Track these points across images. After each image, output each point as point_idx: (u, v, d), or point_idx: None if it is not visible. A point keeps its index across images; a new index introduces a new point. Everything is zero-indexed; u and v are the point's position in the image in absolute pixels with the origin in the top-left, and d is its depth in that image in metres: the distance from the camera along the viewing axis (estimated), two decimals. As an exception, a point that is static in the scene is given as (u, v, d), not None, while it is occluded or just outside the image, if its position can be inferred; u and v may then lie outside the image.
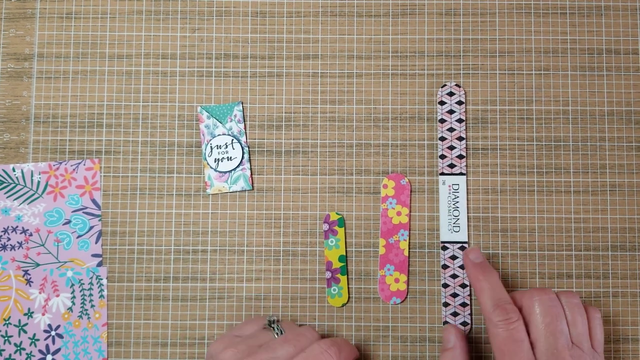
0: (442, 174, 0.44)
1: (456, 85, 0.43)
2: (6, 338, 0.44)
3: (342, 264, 0.44)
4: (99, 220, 0.44)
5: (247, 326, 0.40)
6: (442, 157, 0.44)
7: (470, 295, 0.43)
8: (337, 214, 0.44)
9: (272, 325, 0.39)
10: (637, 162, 0.45)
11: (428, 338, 0.44)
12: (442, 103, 0.43)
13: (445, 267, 0.43)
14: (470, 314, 0.43)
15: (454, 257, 0.43)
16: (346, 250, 0.44)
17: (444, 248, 0.43)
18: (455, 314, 0.43)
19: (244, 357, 0.37)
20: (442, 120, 0.43)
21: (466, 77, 0.45)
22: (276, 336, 0.39)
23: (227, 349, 0.37)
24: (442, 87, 0.44)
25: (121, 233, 0.44)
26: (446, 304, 0.43)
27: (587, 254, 0.44)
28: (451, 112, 0.43)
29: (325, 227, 0.44)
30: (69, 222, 0.44)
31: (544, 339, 0.37)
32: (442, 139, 0.44)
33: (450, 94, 0.43)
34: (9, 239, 0.44)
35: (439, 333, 0.44)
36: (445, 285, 0.43)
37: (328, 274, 0.44)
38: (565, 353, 0.36)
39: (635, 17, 0.46)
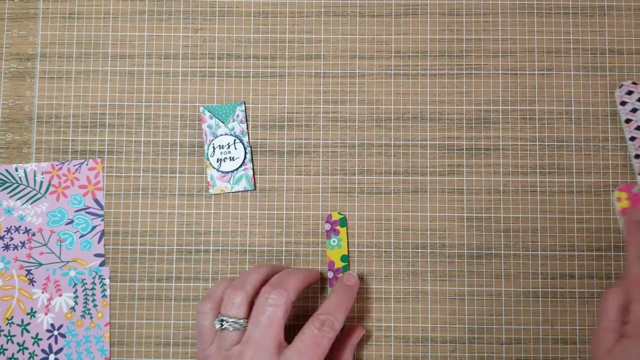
0: None
1: (633, 83, 0.43)
2: (9, 337, 0.44)
3: (345, 263, 0.44)
4: (102, 220, 0.44)
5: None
6: (637, 156, 0.44)
7: None
8: (339, 213, 0.44)
9: (223, 323, 0.38)
10: None
11: (430, 338, 0.44)
12: (623, 103, 0.43)
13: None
14: None
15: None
16: (348, 250, 0.44)
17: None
18: None
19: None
20: (628, 120, 0.43)
21: (469, 77, 0.45)
22: (231, 328, 0.38)
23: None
24: (619, 88, 0.43)
25: (124, 233, 0.44)
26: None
27: (589, 254, 0.44)
28: (634, 110, 0.42)
29: (327, 226, 0.44)
30: (71, 222, 0.44)
31: None
32: (632, 138, 0.44)
33: (629, 92, 0.43)
34: (12, 239, 0.44)
35: (441, 333, 0.44)
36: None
37: (330, 274, 0.44)
38: None
39: (639, 17, 0.45)
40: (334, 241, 0.44)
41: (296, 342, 0.37)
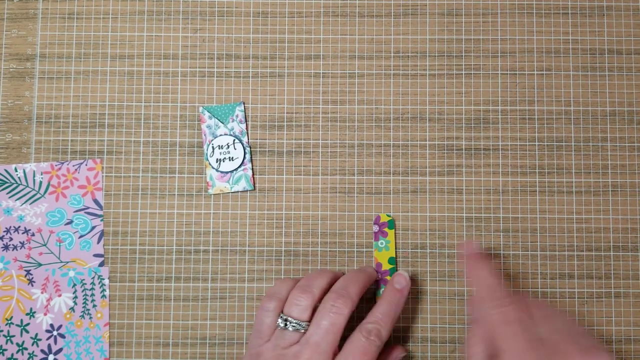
0: None
1: None
2: (8, 338, 0.44)
3: (392, 265, 0.43)
4: (101, 220, 0.44)
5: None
6: None
7: None
8: (387, 215, 0.44)
9: (287, 323, 0.39)
10: (639, 162, 0.44)
11: (430, 338, 0.44)
12: None
13: None
14: None
15: None
16: (396, 252, 0.44)
17: None
18: None
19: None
20: None
21: (468, 77, 0.45)
22: (291, 328, 0.38)
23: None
24: None
25: (123, 233, 0.44)
26: None
27: (589, 254, 0.44)
28: None
29: (375, 228, 0.44)
30: (71, 222, 0.44)
31: None
32: None
33: None
34: (11, 239, 0.44)
35: (440, 333, 0.44)
36: None
37: (378, 276, 0.43)
38: None
39: (638, 17, 0.45)
40: (381, 243, 0.44)
41: (345, 350, 0.38)
